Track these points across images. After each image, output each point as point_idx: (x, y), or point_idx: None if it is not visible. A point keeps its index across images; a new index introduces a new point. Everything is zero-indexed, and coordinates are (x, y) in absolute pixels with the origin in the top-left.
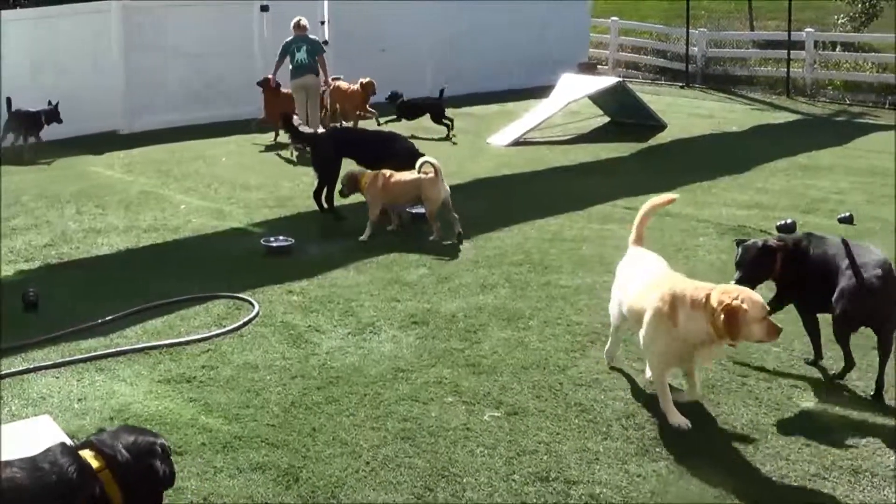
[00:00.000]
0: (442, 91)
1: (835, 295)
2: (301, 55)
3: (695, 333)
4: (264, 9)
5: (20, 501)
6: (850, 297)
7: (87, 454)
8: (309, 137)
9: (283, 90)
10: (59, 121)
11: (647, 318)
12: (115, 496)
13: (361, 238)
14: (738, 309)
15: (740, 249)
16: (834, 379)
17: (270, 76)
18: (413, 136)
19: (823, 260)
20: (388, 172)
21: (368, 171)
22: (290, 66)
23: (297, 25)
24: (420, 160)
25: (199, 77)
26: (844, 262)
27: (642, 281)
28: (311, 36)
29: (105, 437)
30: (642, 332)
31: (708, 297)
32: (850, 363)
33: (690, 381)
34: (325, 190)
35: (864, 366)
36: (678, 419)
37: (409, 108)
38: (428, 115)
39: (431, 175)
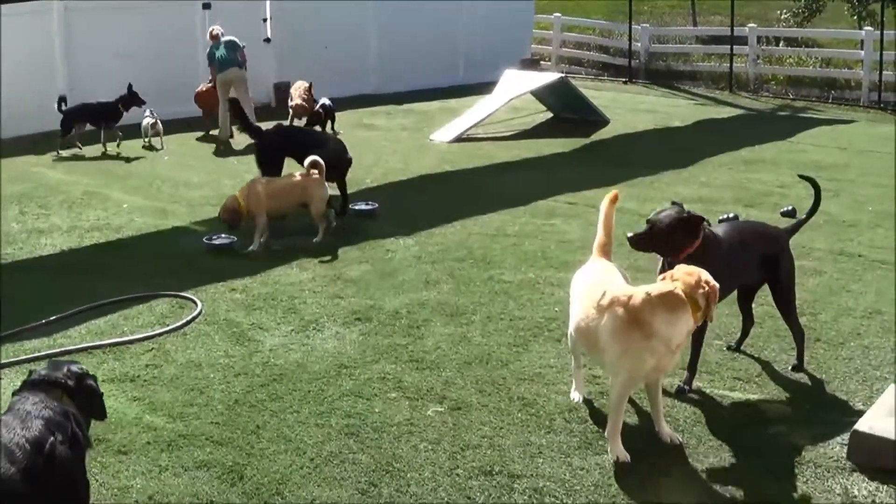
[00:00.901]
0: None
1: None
2: (221, 52)
3: (680, 333)
4: (206, 6)
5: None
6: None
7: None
8: (256, 130)
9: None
10: (140, 103)
11: (608, 336)
12: (74, 411)
13: (251, 248)
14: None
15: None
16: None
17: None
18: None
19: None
20: (265, 179)
21: (240, 192)
22: (216, 67)
23: (211, 35)
24: (309, 158)
25: (142, 77)
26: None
27: (588, 297)
28: (225, 38)
29: (49, 373)
30: (607, 355)
31: (688, 292)
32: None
33: (656, 410)
34: None
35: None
36: (620, 453)
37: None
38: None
39: (316, 175)
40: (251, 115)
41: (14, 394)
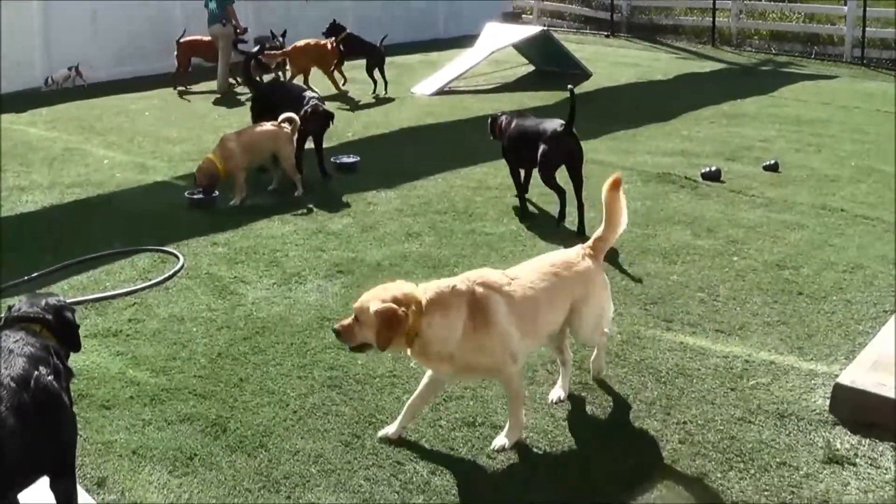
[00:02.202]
0: (383, 40)
1: (539, 149)
2: (212, 5)
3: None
4: None
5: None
6: (549, 143)
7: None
8: (256, 86)
9: (187, 38)
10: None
11: (594, 300)
12: (54, 344)
13: (232, 202)
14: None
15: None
16: (559, 223)
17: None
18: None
19: (524, 128)
20: (234, 133)
21: (214, 154)
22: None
23: None
24: (283, 115)
25: (121, 32)
26: (540, 126)
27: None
28: None
29: (26, 307)
30: (584, 320)
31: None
32: (562, 199)
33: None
34: None
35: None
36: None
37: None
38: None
39: (288, 130)
40: (225, 71)
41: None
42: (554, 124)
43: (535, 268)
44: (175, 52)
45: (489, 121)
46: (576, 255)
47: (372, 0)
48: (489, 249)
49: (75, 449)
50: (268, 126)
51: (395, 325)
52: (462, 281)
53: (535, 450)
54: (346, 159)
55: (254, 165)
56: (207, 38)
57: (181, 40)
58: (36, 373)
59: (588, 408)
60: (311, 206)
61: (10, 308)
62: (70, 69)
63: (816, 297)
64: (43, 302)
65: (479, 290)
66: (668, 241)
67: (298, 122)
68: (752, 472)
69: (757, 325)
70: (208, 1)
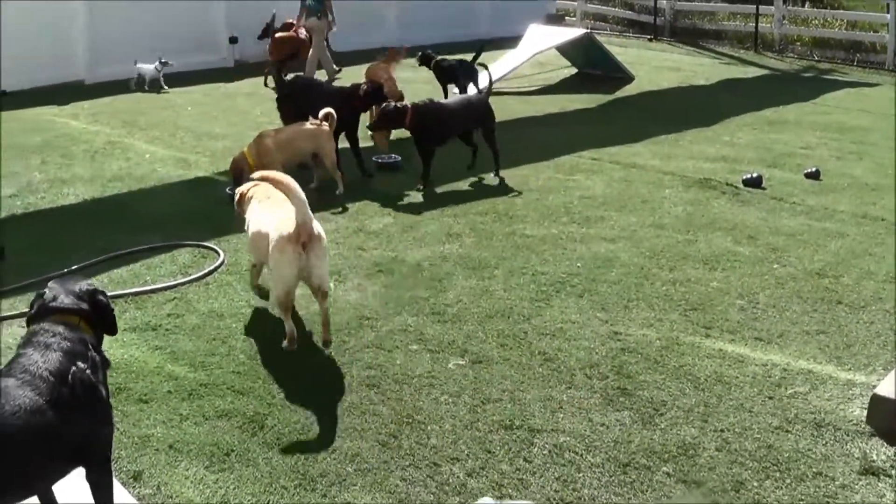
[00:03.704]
0: (481, 48)
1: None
2: (310, 0)
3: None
4: None
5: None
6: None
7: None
8: (279, 82)
9: (280, 35)
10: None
11: None
12: (91, 337)
13: (338, 191)
14: None
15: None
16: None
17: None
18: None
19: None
20: (273, 130)
21: (248, 148)
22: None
23: None
24: (323, 111)
25: (164, 25)
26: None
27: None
28: None
29: (62, 296)
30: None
31: None
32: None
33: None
34: None
35: None
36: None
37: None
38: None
39: (326, 127)
40: (313, 66)
41: (29, 321)
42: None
43: None
44: (269, 47)
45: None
46: None
47: (414, 0)
48: (529, 252)
49: (111, 441)
50: (307, 124)
51: None
52: None
53: (572, 453)
54: (387, 159)
55: (292, 164)
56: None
57: (276, 35)
58: (73, 368)
59: (626, 412)
60: (350, 204)
61: (40, 295)
62: (160, 62)
63: (856, 306)
64: (77, 288)
65: None
66: (709, 247)
67: (335, 117)
68: (789, 481)
69: (796, 334)
70: None
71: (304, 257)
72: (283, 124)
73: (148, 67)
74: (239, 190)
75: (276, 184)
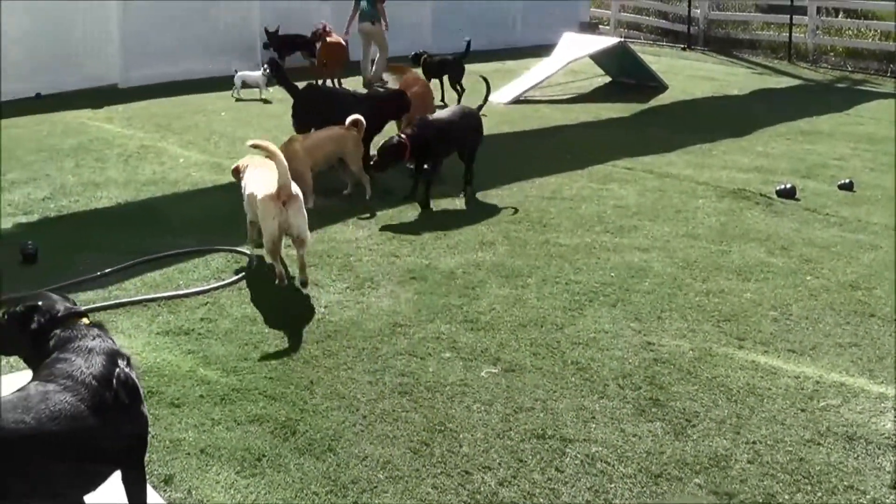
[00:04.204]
0: (468, 46)
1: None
2: (364, 3)
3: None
4: None
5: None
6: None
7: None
8: (292, 89)
9: (332, 39)
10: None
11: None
12: None
13: (368, 195)
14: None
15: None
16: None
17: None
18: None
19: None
20: (302, 136)
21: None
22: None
23: None
24: (352, 117)
25: (199, 29)
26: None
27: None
28: None
29: (56, 306)
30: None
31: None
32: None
33: None
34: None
35: None
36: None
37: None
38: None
39: (354, 132)
40: (381, 67)
41: (46, 329)
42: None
43: None
44: (318, 51)
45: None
46: None
47: (449, 6)
48: (563, 261)
49: (147, 443)
50: (336, 129)
51: None
52: None
53: (603, 463)
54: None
55: (321, 168)
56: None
57: (328, 40)
58: (117, 369)
59: (658, 423)
60: (384, 211)
61: (38, 308)
62: (266, 68)
63: (889, 319)
64: (58, 299)
65: None
66: (742, 258)
67: (364, 123)
68: (820, 494)
69: (829, 346)
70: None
71: (284, 212)
72: (296, 132)
73: (255, 75)
74: (235, 164)
75: (265, 149)
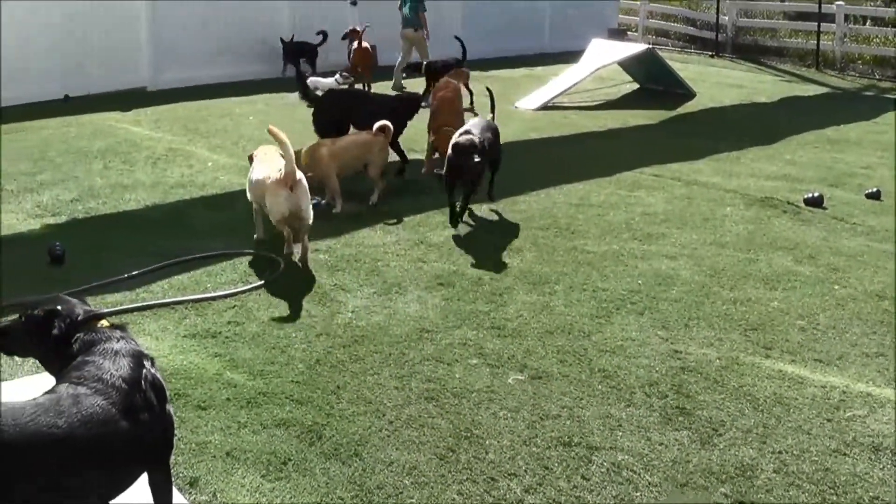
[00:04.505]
0: (463, 48)
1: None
2: (405, 10)
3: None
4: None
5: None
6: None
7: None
8: (314, 97)
9: (364, 44)
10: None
11: None
12: None
13: (335, 210)
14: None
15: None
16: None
17: (359, 29)
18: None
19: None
20: (329, 140)
21: (304, 152)
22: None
23: None
24: (379, 123)
25: (228, 33)
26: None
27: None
28: None
29: (76, 309)
30: None
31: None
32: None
33: None
34: None
35: None
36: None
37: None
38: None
39: (382, 138)
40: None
41: (68, 332)
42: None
43: None
44: (351, 57)
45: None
46: None
47: (478, 12)
48: (590, 268)
49: (173, 444)
50: (363, 134)
51: None
52: None
53: (629, 471)
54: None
55: (347, 173)
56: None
57: (362, 46)
58: (144, 370)
59: (684, 432)
60: (411, 217)
61: (58, 311)
62: (340, 74)
63: None
64: (76, 302)
65: None
66: (770, 266)
67: (392, 129)
68: None
69: (855, 356)
70: (402, 4)
71: (292, 196)
72: (319, 137)
73: (327, 81)
74: (251, 152)
75: (275, 136)
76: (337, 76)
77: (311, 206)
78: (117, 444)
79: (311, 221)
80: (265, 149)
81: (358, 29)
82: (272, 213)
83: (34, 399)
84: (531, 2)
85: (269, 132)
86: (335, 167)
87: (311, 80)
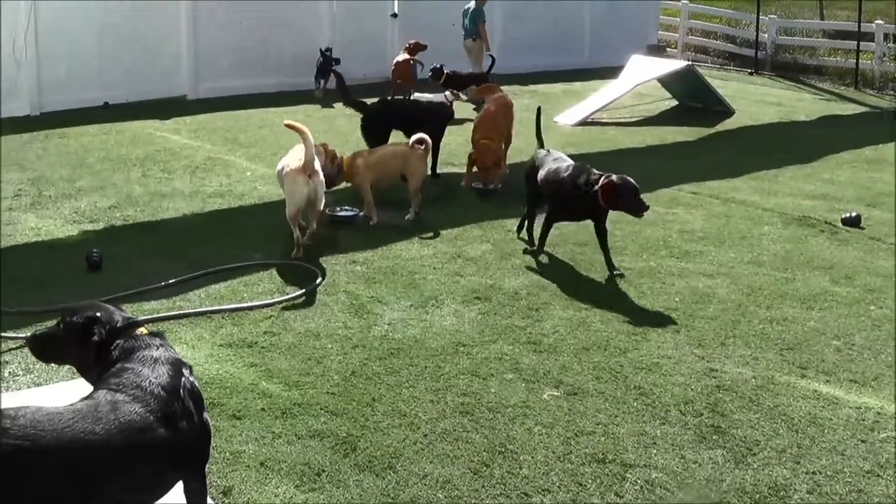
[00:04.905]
0: (492, 63)
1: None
2: (466, 22)
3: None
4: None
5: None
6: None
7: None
8: (359, 106)
9: (401, 57)
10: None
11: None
12: None
13: (372, 222)
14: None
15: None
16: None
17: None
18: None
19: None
20: (367, 151)
21: (346, 159)
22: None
23: None
24: (415, 136)
25: (268, 44)
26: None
27: None
28: (479, 7)
29: (115, 316)
30: None
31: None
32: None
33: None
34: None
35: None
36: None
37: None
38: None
39: (421, 150)
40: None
41: (109, 339)
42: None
43: None
44: (394, 68)
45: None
46: None
47: (517, 26)
48: (627, 284)
49: (209, 452)
50: (400, 146)
51: None
52: None
53: (663, 489)
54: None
55: (382, 185)
56: (403, 59)
57: (400, 59)
58: (183, 378)
59: (718, 451)
60: (448, 230)
61: (98, 318)
62: (451, 93)
63: None
64: (113, 309)
65: None
66: (806, 286)
67: (430, 143)
68: None
69: (890, 377)
70: (463, 16)
71: (310, 184)
72: (369, 146)
73: (437, 97)
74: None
75: (295, 129)
76: (447, 93)
77: (324, 194)
78: (154, 452)
79: (321, 208)
80: (297, 146)
81: (422, 42)
82: (290, 201)
83: (72, 404)
84: (571, 17)
85: (287, 126)
86: (370, 178)
87: (417, 96)
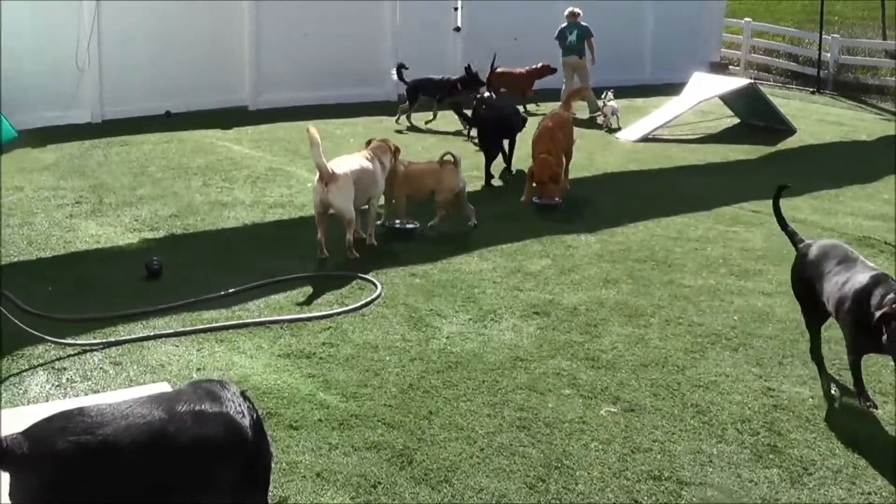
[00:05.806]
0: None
1: None
2: (572, 37)
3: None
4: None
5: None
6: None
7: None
8: (472, 119)
9: (500, 70)
10: (479, 84)
11: None
12: None
13: (431, 223)
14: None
15: None
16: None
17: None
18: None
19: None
20: (406, 161)
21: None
22: (561, 48)
23: (571, 14)
24: (443, 154)
25: (330, 55)
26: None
27: None
28: (581, 23)
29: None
30: None
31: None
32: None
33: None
34: (488, 166)
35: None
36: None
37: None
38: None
39: (451, 165)
40: (591, 100)
41: None
42: None
43: None
44: (508, 77)
45: None
46: None
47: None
48: (686, 302)
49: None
50: (433, 164)
51: None
52: None
53: None
54: (547, 200)
55: (415, 198)
56: (518, 71)
57: (496, 70)
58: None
59: (774, 470)
60: (508, 245)
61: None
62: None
63: None
64: None
65: None
66: None
67: (458, 160)
68: None
69: None
70: (565, 31)
71: (325, 190)
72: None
73: (611, 106)
74: None
75: (309, 137)
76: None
77: (349, 204)
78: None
79: (352, 219)
80: (354, 155)
81: (551, 66)
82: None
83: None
84: (633, 34)
85: (308, 131)
86: (406, 189)
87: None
